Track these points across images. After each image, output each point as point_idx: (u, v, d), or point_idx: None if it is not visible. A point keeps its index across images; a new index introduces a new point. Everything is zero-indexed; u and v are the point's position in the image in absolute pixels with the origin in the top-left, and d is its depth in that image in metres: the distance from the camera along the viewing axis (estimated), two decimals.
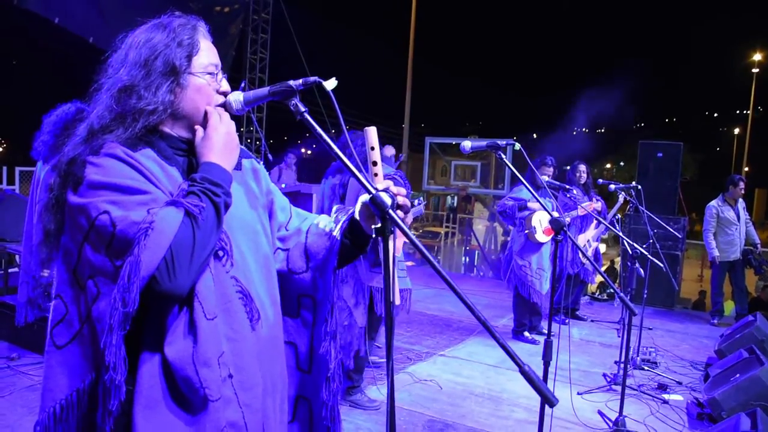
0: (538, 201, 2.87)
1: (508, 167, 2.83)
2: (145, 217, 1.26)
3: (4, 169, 8.26)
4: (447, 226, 14.67)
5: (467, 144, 2.90)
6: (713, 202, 7.62)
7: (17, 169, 8.28)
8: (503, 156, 2.77)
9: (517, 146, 2.96)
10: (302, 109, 1.40)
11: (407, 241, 1.30)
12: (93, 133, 1.39)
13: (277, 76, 12.54)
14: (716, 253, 7.51)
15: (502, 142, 2.84)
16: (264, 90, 1.46)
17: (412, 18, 14.77)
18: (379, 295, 4.00)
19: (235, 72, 12.27)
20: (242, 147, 1.64)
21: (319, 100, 12.96)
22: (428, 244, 14.73)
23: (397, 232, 1.31)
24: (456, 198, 14.91)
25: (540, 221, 5.76)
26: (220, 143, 1.42)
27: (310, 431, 1.69)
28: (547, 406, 2.88)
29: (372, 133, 1.46)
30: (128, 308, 1.24)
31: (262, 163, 1.71)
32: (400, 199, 1.38)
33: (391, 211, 1.28)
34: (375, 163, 1.44)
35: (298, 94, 1.41)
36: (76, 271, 1.37)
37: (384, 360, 4.60)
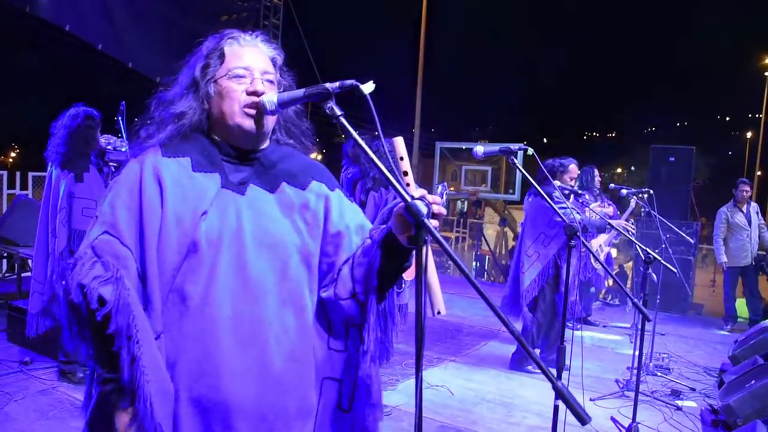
0: (551, 207, 2.85)
1: (521, 172, 2.82)
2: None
3: (18, 174, 8.33)
4: (457, 231, 14.65)
5: (480, 149, 2.89)
6: (723, 207, 7.61)
7: (30, 174, 8.34)
8: (515, 160, 2.76)
9: (530, 151, 2.95)
10: (338, 112, 1.36)
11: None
12: (140, 140, 1.60)
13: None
14: (724, 258, 7.49)
15: (514, 147, 2.83)
16: (299, 92, 1.45)
17: (422, 23, 14.79)
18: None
19: None
20: (328, 173, 1.70)
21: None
22: (438, 248, 14.68)
23: None
24: (466, 203, 14.88)
25: None
26: None
27: None
28: (562, 414, 2.86)
29: (399, 142, 1.42)
30: None
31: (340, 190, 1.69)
32: (436, 208, 1.32)
33: (426, 220, 1.23)
34: (406, 173, 1.40)
35: (334, 96, 1.38)
36: None
37: None
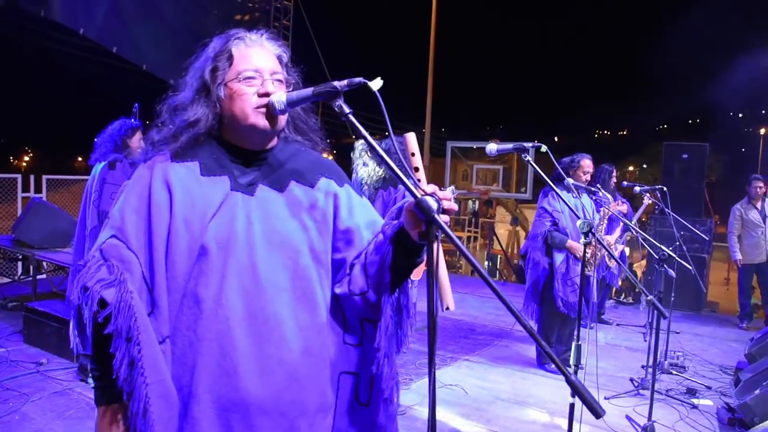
0: (566, 204, 2.84)
1: (535, 170, 2.81)
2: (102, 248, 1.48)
3: (32, 177, 8.39)
4: (469, 231, 14.62)
5: (493, 147, 2.88)
6: (737, 204, 7.56)
7: (44, 177, 8.41)
8: (529, 158, 2.75)
9: (544, 148, 2.93)
10: (347, 110, 1.36)
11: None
12: (153, 144, 1.60)
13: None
14: (738, 255, 7.44)
15: (528, 144, 2.81)
16: (308, 90, 1.45)
17: (432, 22, 14.77)
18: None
19: None
20: (337, 169, 1.70)
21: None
22: (450, 248, 14.68)
23: None
24: (477, 202, 14.86)
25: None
26: None
27: None
28: (577, 413, 2.85)
29: (411, 138, 1.42)
30: None
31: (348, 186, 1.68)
32: (446, 204, 1.30)
33: (436, 216, 1.22)
34: (417, 169, 1.40)
35: (342, 95, 1.37)
36: None
37: None
